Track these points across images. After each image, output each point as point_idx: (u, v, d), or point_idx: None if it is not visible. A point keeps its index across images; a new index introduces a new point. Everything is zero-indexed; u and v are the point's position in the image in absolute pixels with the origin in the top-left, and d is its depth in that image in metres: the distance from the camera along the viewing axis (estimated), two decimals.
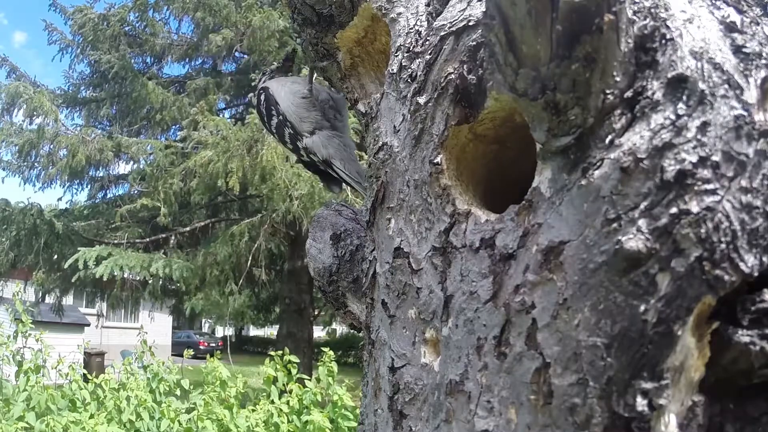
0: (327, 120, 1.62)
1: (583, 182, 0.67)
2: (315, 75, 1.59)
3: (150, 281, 11.21)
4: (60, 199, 13.91)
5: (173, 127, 12.49)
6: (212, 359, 5.09)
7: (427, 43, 0.95)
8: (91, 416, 4.60)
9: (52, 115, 11.02)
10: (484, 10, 0.70)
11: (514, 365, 0.71)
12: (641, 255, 0.61)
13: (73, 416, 4.40)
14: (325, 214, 1.47)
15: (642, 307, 0.61)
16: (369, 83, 1.31)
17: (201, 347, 22.77)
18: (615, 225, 0.63)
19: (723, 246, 0.59)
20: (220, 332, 31.73)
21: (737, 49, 0.67)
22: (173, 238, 11.68)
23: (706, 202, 0.60)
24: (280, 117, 1.69)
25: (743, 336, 0.61)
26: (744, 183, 0.61)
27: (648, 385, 0.61)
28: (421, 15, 1.07)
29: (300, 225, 9.25)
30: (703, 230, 0.60)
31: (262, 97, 1.76)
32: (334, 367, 4.80)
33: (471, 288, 0.79)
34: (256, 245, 10.05)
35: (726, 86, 0.64)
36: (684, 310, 0.60)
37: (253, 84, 1.92)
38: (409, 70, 0.97)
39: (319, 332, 27.58)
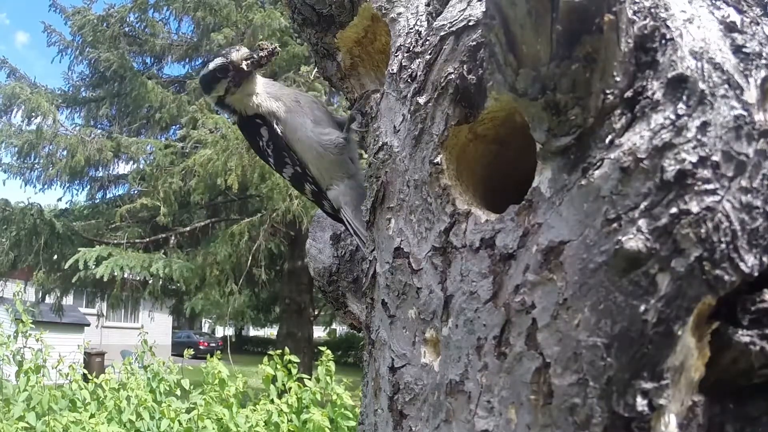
0: (351, 165, 1.36)
1: (583, 182, 0.67)
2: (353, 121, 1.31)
3: (150, 281, 11.21)
4: (60, 199, 13.91)
5: (173, 126, 12.49)
6: (212, 359, 5.09)
7: (427, 43, 0.95)
8: (92, 416, 4.60)
9: (51, 116, 11.02)
10: (484, 10, 0.70)
11: (514, 365, 0.71)
12: (641, 255, 0.61)
13: (73, 416, 4.40)
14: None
15: (642, 307, 0.61)
16: (369, 83, 1.31)
17: (201, 347, 22.75)
18: (615, 225, 0.63)
19: (723, 246, 0.59)
20: (220, 332, 31.73)
21: (737, 49, 0.67)
22: (173, 238, 11.68)
23: (706, 202, 0.60)
24: (297, 168, 1.35)
25: (743, 336, 0.61)
26: (744, 183, 0.61)
27: (648, 385, 0.61)
28: (421, 15, 1.07)
29: (300, 225, 9.25)
30: (703, 230, 0.60)
31: (264, 132, 1.34)
32: (332, 366, 4.80)
33: (471, 288, 0.79)
34: (256, 245, 10.04)
35: (726, 86, 0.64)
36: (684, 310, 0.60)
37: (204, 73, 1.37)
38: (409, 70, 0.97)
39: (319, 332, 27.56)
